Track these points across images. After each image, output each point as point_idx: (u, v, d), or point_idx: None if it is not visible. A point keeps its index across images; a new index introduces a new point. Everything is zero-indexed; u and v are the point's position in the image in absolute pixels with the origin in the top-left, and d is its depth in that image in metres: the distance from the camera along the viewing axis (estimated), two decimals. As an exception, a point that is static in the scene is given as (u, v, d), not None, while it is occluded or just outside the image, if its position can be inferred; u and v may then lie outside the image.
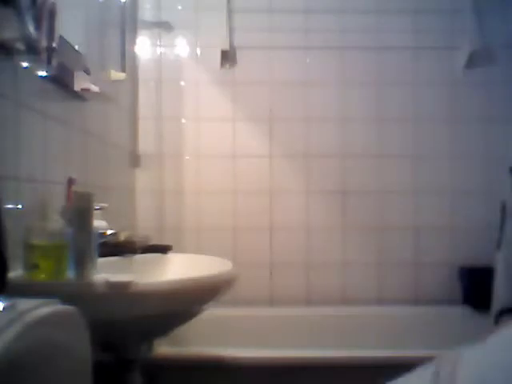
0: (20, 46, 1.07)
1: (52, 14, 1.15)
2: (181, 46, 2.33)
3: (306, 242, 2.31)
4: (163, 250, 1.54)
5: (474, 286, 2.23)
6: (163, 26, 2.29)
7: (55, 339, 0.74)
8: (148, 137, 2.30)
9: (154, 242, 1.64)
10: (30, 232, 1.02)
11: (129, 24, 2.04)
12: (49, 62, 1.17)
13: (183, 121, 2.35)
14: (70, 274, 1.04)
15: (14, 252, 0.92)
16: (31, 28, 1.05)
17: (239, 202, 2.31)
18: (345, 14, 2.29)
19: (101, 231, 1.32)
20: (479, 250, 2.22)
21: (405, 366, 0.62)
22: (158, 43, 2.33)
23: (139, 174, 2.30)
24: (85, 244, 1.07)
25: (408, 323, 2.13)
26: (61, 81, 1.36)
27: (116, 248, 1.41)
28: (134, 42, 2.21)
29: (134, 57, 2.21)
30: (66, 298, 0.79)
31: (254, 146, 2.32)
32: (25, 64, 1.15)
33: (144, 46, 2.29)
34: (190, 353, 1.69)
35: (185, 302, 1.16)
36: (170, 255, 1.53)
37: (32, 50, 1.08)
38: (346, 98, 2.30)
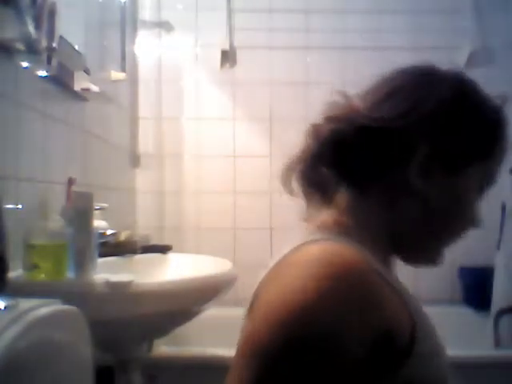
0: (20, 46, 1.07)
1: (52, 14, 1.15)
2: (181, 46, 2.33)
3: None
4: (163, 249, 1.54)
5: (474, 286, 2.23)
6: (163, 26, 2.29)
7: (56, 339, 0.74)
8: (148, 137, 2.30)
9: (154, 242, 1.64)
10: (30, 232, 1.02)
11: (129, 24, 2.03)
12: (49, 62, 1.17)
13: (183, 121, 2.34)
14: (70, 274, 1.04)
15: (14, 252, 0.92)
16: (31, 28, 1.05)
17: (239, 201, 2.31)
18: (345, 14, 2.29)
19: (101, 231, 1.32)
20: (479, 250, 2.22)
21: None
22: (158, 43, 2.33)
23: (139, 174, 2.30)
24: (85, 244, 1.07)
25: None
26: (61, 81, 1.36)
27: (116, 248, 1.41)
28: (133, 42, 2.20)
29: (133, 57, 2.21)
30: (66, 298, 0.80)
31: (254, 146, 2.32)
32: (25, 64, 1.15)
33: (144, 46, 2.28)
34: (189, 353, 1.69)
35: (185, 302, 1.16)
36: (170, 255, 1.53)
37: (32, 50, 1.08)
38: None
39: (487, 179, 0.66)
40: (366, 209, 0.64)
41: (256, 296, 0.58)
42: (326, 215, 0.66)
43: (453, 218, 0.65)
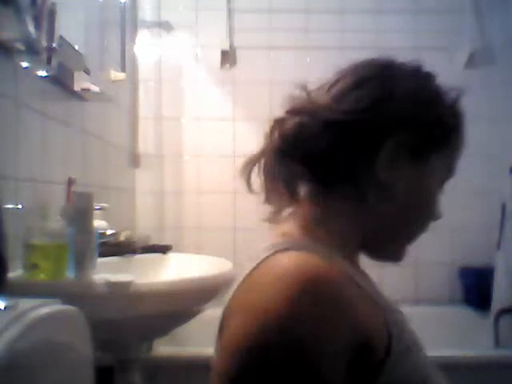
0: (20, 46, 1.07)
1: (52, 14, 1.15)
2: (181, 46, 2.33)
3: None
4: (163, 249, 1.54)
5: (475, 286, 2.23)
6: (163, 26, 2.29)
7: (56, 339, 0.74)
8: (148, 137, 2.30)
9: (154, 242, 1.64)
10: (30, 232, 1.02)
11: (129, 24, 2.03)
12: (49, 62, 1.17)
13: (183, 121, 2.34)
14: (70, 274, 1.04)
15: (13, 252, 0.92)
16: (31, 28, 1.05)
17: (239, 202, 2.30)
18: (345, 14, 2.29)
19: (101, 231, 1.32)
20: (479, 250, 2.22)
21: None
22: (158, 43, 2.33)
23: (139, 174, 2.30)
24: (85, 244, 1.07)
25: (408, 323, 2.13)
26: (61, 81, 1.36)
27: (116, 248, 1.41)
28: (133, 42, 2.20)
29: (133, 57, 2.21)
30: (66, 298, 0.79)
31: (253, 146, 2.31)
32: (25, 64, 1.15)
33: (144, 46, 2.28)
34: (190, 353, 1.69)
35: (185, 302, 1.16)
36: (170, 255, 1.53)
37: (32, 50, 1.08)
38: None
39: (448, 170, 0.68)
40: (332, 206, 0.63)
41: (227, 315, 0.56)
42: (292, 217, 0.65)
43: (419, 211, 0.65)
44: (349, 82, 0.63)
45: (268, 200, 0.66)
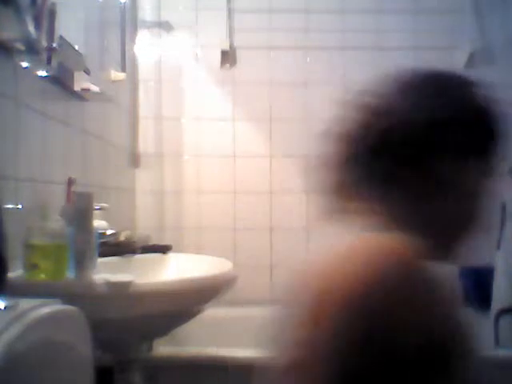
0: (20, 46, 1.07)
1: (52, 14, 1.15)
2: (181, 46, 2.33)
3: (305, 242, 2.31)
4: (163, 249, 1.54)
5: (475, 286, 2.23)
6: (163, 26, 2.29)
7: (56, 339, 0.74)
8: (148, 137, 2.30)
9: (154, 242, 1.64)
10: (30, 232, 1.02)
11: (129, 24, 2.03)
12: (49, 62, 1.17)
13: (183, 121, 2.34)
14: (70, 274, 1.04)
15: (13, 252, 0.92)
16: (31, 28, 1.05)
17: (239, 201, 2.30)
18: (345, 13, 2.29)
19: (101, 231, 1.32)
20: (479, 250, 2.22)
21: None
22: (158, 43, 2.33)
23: (139, 174, 2.30)
24: (85, 244, 1.07)
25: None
26: (61, 81, 1.36)
27: (116, 248, 1.41)
28: (133, 42, 2.20)
29: (133, 57, 2.21)
30: (66, 298, 0.80)
31: (254, 146, 2.32)
32: (25, 64, 1.15)
33: (144, 46, 2.28)
34: (189, 353, 1.69)
35: (185, 302, 1.16)
36: (170, 255, 1.53)
37: (32, 49, 1.08)
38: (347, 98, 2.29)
39: (493, 175, 0.71)
40: (401, 206, 0.65)
41: (304, 286, 0.58)
42: (360, 215, 0.66)
43: (473, 211, 0.69)
44: (424, 89, 0.67)
45: (335, 198, 0.68)
